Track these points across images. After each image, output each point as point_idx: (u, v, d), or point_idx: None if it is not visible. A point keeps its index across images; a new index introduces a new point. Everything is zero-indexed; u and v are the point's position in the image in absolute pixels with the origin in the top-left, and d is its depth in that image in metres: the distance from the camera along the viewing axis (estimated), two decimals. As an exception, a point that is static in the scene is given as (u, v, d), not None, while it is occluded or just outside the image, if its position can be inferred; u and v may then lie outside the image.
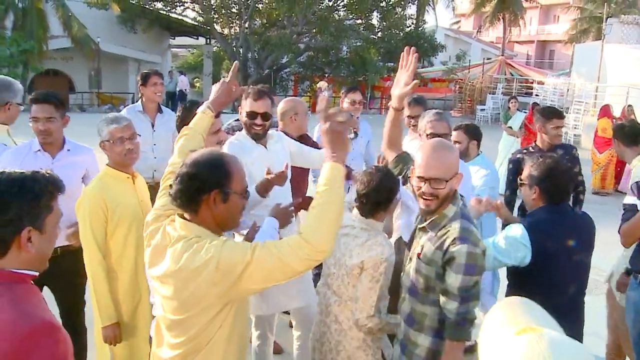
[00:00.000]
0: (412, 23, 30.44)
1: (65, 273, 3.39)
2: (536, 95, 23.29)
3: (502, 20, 37.74)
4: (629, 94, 16.08)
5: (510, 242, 2.85)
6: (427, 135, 3.63)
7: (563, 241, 2.88)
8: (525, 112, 11.56)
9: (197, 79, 37.71)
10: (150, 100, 5.10)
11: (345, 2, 28.31)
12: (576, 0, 40.19)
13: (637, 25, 26.07)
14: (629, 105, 11.70)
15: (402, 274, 2.72)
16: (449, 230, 2.41)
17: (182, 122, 3.12)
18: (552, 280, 2.86)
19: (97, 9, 23.22)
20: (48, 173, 1.67)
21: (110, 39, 24.47)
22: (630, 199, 3.55)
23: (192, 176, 1.99)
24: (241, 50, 28.21)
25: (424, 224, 2.53)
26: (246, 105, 3.50)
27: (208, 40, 30.58)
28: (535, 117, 4.77)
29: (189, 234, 2.01)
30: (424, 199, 2.45)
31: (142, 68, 25.91)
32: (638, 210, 3.35)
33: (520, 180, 3.11)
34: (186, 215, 2.06)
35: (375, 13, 29.19)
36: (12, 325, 1.44)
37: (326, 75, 26.91)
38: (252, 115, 3.48)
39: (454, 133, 4.08)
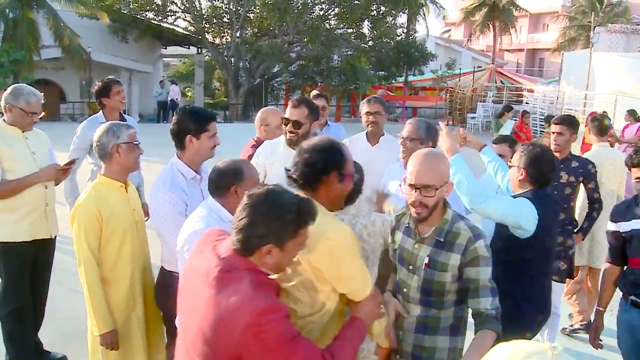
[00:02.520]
0: (403, 32, 30.62)
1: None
2: (526, 103, 23.47)
3: (492, 28, 38.07)
4: (617, 102, 16.24)
5: (522, 203, 3.10)
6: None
7: (551, 220, 3.21)
8: (515, 120, 11.69)
9: (188, 88, 37.72)
10: (115, 109, 4.89)
11: (336, 11, 28.48)
12: (565, 10, 40.67)
13: (624, 34, 26.43)
14: (604, 112, 11.82)
15: (402, 290, 2.66)
16: (460, 233, 2.47)
17: (181, 126, 3.13)
18: (546, 254, 3.19)
19: (89, 19, 23.20)
20: (305, 200, 1.97)
21: (102, 49, 24.47)
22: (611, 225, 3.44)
23: (316, 159, 2.24)
24: (232, 60, 28.28)
25: (427, 235, 2.54)
26: (286, 112, 3.79)
27: (199, 49, 30.63)
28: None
29: None
30: (414, 207, 2.48)
31: (133, 77, 25.98)
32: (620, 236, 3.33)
33: (510, 162, 3.38)
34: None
35: (366, 22, 29.38)
36: (252, 302, 1.81)
37: (318, 84, 26.98)
38: (285, 121, 3.77)
39: (495, 146, 4.10)
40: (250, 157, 4.00)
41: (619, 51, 24.88)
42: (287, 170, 2.33)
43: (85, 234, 3.09)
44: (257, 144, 4.27)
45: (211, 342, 1.86)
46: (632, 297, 3.25)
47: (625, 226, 3.27)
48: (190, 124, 3.09)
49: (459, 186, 3.05)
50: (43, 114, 4.03)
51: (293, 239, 1.92)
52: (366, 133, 4.50)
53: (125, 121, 4.77)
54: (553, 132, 4.64)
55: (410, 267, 2.61)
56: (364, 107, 4.48)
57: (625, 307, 3.31)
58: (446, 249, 2.48)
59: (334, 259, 2.15)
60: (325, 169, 2.25)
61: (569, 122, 4.65)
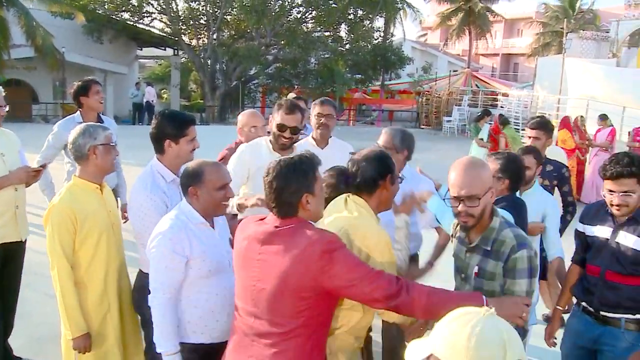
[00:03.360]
0: (380, 36, 30.83)
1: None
2: (501, 107, 23.75)
3: (467, 33, 38.49)
4: (588, 106, 16.54)
5: None
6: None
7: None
8: (490, 124, 11.80)
9: (164, 90, 37.42)
10: (93, 109, 4.85)
11: (313, 14, 28.55)
12: (538, 16, 41.29)
13: (594, 41, 26.92)
14: (581, 116, 12.04)
15: None
16: (504, 241, 2.45)
17: (160, 131, 3.11)
18: None
19: (62, 18, 22.83)
20: (309, 154, 2.38)
21: (76, 49, 24.12)
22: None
23: (374, 167, 2.62)
24: (209, 62, 28.15)
25: (474, 244, 2.55)
26: (277, 117, 3.71)
27: (176, 51, 30.39)
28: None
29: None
30: (461, 217, 2.49)
31: (108, 79, 25.66)
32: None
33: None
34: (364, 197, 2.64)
35: (343, 25, 29.52)
36: (321, 234, 2.22)
37: (294, 87, 26.99)
38: (281, 127, 3.70)
39: (525, 158, 3.96)
40: (223, 158, 3.95)
41: (590, 57, 25.34)
42: (344, 177, 2.73)
43: (58, 236, 3.04)
44: (237, 147, 4.20)
45: (290, 285, 2.19)
46: (584, 304, 3.24)
47: (590, 230, 3.25)
48: (169, 129, 3.09)
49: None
50: (7, 107, 3.97)
51: (316, 182, 2.32)
52: (312, 136, 4.31)
53: (103, 122, 4.74)
54: (529, 137, 4.68)
55: (463, 275, 2.65)
56: (315, 108, 4.26)
57: (577, 313, 3.30)
58: (493, 257, 2.48)
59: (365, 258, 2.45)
60: (382, 175, 2.62)
61: (545, 127, 4.70)
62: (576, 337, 3.27)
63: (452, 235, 2.86)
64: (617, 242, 3.07)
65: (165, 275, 2.65)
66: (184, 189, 2.74)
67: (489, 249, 2.49)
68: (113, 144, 3.21)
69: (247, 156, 3.80)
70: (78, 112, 4.85)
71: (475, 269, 2.53)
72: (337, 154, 3.86)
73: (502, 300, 2.35)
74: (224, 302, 2.72)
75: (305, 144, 4.30)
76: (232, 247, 2.81)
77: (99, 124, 3.38)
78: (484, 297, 2.27)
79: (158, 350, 2.65)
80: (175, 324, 2.67)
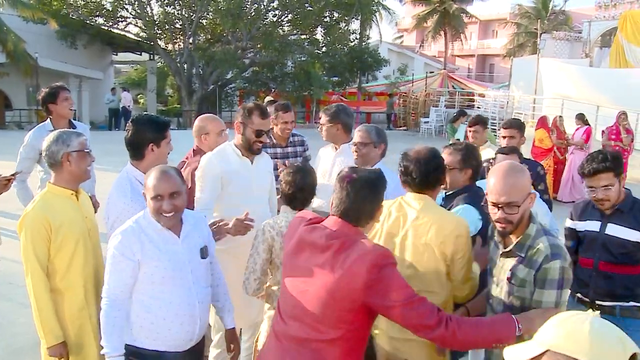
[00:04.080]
0: (356, 38, 30.92)
1: None
2: (478, 107, 23.99)
3: (443, 35, 38.79)
4: (563, 106, 16.78)
5: (467, 212, 3.23)
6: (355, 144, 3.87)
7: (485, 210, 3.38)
8: (466, 124, 11.90)
9: (141, 95, 37.11)
10: (63, 117, 4.77)
11: (289, 17, 28.53)
12: (512, 17, 41.76)
13: (568, 41, 27.34)
14: (560, 116, 12.21)
15: (489, 301, 2.71)
16: (538, 249, 2.41)
17: (141, 137, 3.13)
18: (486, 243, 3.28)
19: (34, 23, 22.47)
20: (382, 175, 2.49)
21: (50, 55, 23.79)
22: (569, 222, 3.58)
23: (432, 165, 2.84)
24: (185, 66, 27.97)
25: (509, 249, 2.53)
26: (254, 122, 3.65)
27: (152, 56, 30.13)
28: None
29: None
30: (499, 223, 2.47)
31: (83, 84, 25.37)
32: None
33: (449, 166, 3.38)
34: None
35: (319, 28, 29.53)
36: (374, 248, 2.24)
37: (272, 90, 26.95)
38: (259, 133, 3.67)
39: (502, 156, 4.05)
40: (181, 166, 3.86)
41: (564, 57, 25.72)
42: (407, 176, 2.85)
43: (32, 244, 2.98)
44: (195, 153, 4.13)
45: (335, 293, 2.20)
46: (579, 295, 3.45)
47: (580, 225, 3.46)
48: (150, 133, 3.12)
49: None
50: None
51: (380, 208, 2.42)
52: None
53: (75, 128, 4.69)
54: (504, 137, 4.79)
55: (495, 279, 2.63)
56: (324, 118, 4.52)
57: (572, 304, 3.44)
58: (525, 264, 2.45)
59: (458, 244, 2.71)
60: (439, 171, 2.87)
61: (518, 126, 4.88)
62: None
63: (488, 237, 2.86)
64: (607, 234, 3.31)
65: (113, 277, 2.65)
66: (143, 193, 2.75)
67: (523, 255, 2.46)
68: (87, 150, 3.15)
69: (216, 164, 3.66)
70: (48, 119, 4.75)
71: (508, 274, 2.51)
72: (346, 160, 4.02)
73: (532, 319, 2.25)
74: (178, 311, 2.68)
75: (326, 147, 4.55)
76: (205, 257, 2.82)
77: (73, 130, 3.32)
78: (514, 317, 2.25)
79: (102, 351, 2.64)
80: (122, 327, 2.65)
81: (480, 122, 5.63)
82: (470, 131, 5.54)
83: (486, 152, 5.31)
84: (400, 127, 26.87)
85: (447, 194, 3.56)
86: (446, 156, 3.47)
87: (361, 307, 2.21)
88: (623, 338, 1.43)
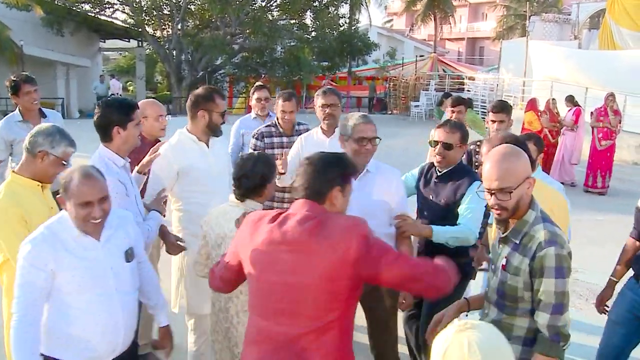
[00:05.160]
0: (345, 22, 30.75)
1: None
2: (468, 90, 24.00)
3: (433, 18, 38.67)
4: (552, 88, 16.82)
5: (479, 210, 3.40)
6: (356, 139, 3.38)
7: None
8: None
9: (130, 83, 36.81)
10: (26, 109, 4.73)
11: (278, 2, 28.32)
12: (501, -1, 41.66)
13: (557, 23, 27.33)
14: (553, 99, 12.23)
15: (485, 289, 2.67)
16: (534, 236, 2.34)
17: (107, 119, 3.14)
18: None
19: (18, 10, 22.09)
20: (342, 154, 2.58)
21: (35, 42, 23.44)
22: None
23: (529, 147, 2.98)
24: (174, 53, 27.76)
25: (505, 234, 2.47)
26: (219, 105, 3.77)
27: (140, 42, 29.82)
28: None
29: None
30: (494, 209, 2.41)
31: (71, 72, 25.11)
32: None
33: (450, 144, 3.56)
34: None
35: (308, 13, 29.34)
36: (355, 220, 2.23)
37: (261, 75, 26.82)
38: (223, 114, 3.82)
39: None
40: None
41: (553, 40, 25.73)
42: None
43: (16, 235, 2.84)
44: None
45: (327, 274, 2.15)
46: None
47: None
48: (116, 115, 3.13)
49: (454, 243, 3.34)
50: None
51: (349, 184, 2.37)
52: (321, 126, 4.46)
53: (46, 116, 4.75)
54: (493, 121, 4.66)
55: (493, 266, 2.58)
56: (319, 100, 4.42)
57: (634, 286, 3.45)
58: (520, 251, 2.38)
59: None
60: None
61: (508, 109, 4.75)
62: (631, 307, 3.43)
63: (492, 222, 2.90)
64: None
65: (23, 290, 2.44)
66: (56, 197, 2.55)
67: (517, 242, 2.40)
68: (65, 163, 3.09)
69: (171, 157, 3.71)
70: (17, 109, 4.68)
71: (503, 261, 2.45)
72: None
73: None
74: (98, 321, 2.52)
75: (312, 136, 4.37)
76: (130, 260, 2.67)
77: (68, 136, 3.22)
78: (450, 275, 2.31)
79: None
80: (34, 341, 2.44)
81: (463, 102, 5.82)
82: (454, 112, 5.72)
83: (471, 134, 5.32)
84: (387, 111, 26.86)
85: (441, 172, 3.61)
86: (445, 135, 3.57)
87: (355, 281, 2.19)
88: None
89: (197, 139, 3.78)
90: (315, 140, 4.39)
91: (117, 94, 24.50)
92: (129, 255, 2.66)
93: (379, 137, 3.43)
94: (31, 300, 2.43)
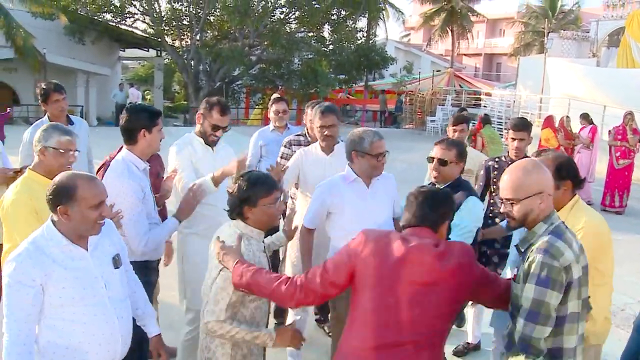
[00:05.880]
0: (363, 36, 30.89)
1: None
2: (484, 106, 23.93)
3: (450, 33, 38.72)
4: (570, 105, 16.74)
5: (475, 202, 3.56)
6: (374, 155, 3.54)
7: None
8: (473, 123, 11.89)
9: (148, 92, 37.18)
10: (55, 116, 4.77)
11: (296, 14, 28.50)
12: (520, 15, 41.63)
13: (575, 41, 27.23)
14: (567, 116, 12.18)
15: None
16: (534, 245, 2.36)
17: (135, 122, 3.35)
18: None
19: (43, 19, 22.56)
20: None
21: (58, 50, 23.85)
22: None
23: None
24: (192, 63, 28.00)
25: (516, 244, 2.57)
26: (213, 117, 3.93)
27: (159, 52, 30.18)
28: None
29: None
30: (507, 217, 2.54)
31: (91, 80, 25.44)
32: None
33: (446, 161, 3.68)
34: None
35: (326, 26, 29.47)
36: (463, 246, 2.53)
37: (278, 87, 26.96)
38: (215, 127, 3.94)
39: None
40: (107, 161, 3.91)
41: (571, 57, 25.65)
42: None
43: (18, 229, 2.94)
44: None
45: (449, 297, 2.39)
46: None
47: None
48: (143, 120, 3.34)
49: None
50: None
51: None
52: (319, 143, 4.36)
53: (72, 124, 4.81)
54: (514, 139, 4.60)
55: (514, 274, 2.61)
56: (317, 120, 4.27)
57: None
58: (523, 261, 2.41)
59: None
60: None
61: (528, 128, 4.68)
62: None
63: None
64: None
65: (12, 309, 2.35)
66: (51, 207, 2.44)
67: (523, 251, 2.45)
68: (63, 151, 3.25)
69: (186, 151, 3.96)
70: (46, 116, 4.81)
71: (515, 271, 2.56)
72: (342, 159, 3.90)
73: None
74: (95, 332, 2.47)
75: (311, 153, 4.40)
76: (119, 266, 2.63)
77: (61, 126, 3.39)
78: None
79: None
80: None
81: (465, 121, 5.86)
82: (455, 131, 5.63)
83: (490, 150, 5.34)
84: (398, 125, 26.83)
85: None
86: (442, 151, 3.69)
87: (464, 298, 2.54)
88: None
89: (203, 142, 3.98)
90: (314, 157, 4.36)
91: (136, 102, 24.74)
92: (117, 262, 2.63)
93: (388, 151, 3.68)
94: (22, 318, 2.36)
